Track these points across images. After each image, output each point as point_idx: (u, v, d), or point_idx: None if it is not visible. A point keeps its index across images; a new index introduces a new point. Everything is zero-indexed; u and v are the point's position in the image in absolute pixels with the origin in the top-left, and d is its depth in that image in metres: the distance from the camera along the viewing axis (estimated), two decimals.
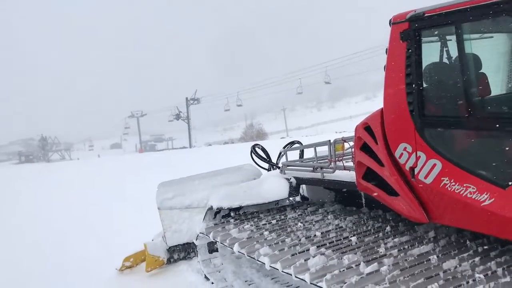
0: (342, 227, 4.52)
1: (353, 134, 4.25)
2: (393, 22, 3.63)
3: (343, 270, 3.31)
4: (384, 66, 3.76)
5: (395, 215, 4.44)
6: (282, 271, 3.71)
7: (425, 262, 3.30)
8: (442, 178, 3.31)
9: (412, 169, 3.51)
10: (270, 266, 3.89)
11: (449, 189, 3.26)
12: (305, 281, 3.38)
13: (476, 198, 3.10)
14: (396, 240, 3.87)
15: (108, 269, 6.48)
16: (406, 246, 3.68)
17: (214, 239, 5.02)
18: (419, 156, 3.45)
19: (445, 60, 3.74)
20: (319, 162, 5.28)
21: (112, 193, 14.89)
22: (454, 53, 3.54)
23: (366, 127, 3.99)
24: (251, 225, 5.02)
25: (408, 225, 4.22)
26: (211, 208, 5.50)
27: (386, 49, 3.73)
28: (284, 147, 6.90)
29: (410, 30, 3.49)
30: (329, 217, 4.95)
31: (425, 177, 3.42)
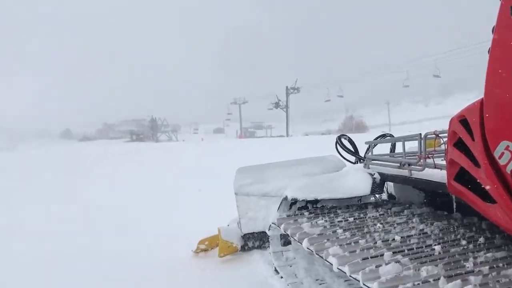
0: (426, 232, 3.96)
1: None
2: None
3: (418, 284, 2.83)
4: (489, 49, 3.16)
5: (493, 225, 3.79)
6: (350, 276, 3.31)
7: None
8: None
9: None
10: (338, 268, 3.52)
11: None
12: None
13: None
14: (489, 255, 3.26)
15: (185, 250, 6.50)
16: (500, 264, 3.06)
17: (284, 231, 4.73)
18: None
19: None
20: (407, 158, 4.73)
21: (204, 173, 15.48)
22: None
23: (462, 119, 3.41)
24: (326, 220, 4.64)
25: (508, 239, 3.57)
26: (285, 198, 5.22)
27: (493, 28, 3.13)
28: (374, 139, 6.38)
29: None
30: (414, 220, 4.41)
31: None
